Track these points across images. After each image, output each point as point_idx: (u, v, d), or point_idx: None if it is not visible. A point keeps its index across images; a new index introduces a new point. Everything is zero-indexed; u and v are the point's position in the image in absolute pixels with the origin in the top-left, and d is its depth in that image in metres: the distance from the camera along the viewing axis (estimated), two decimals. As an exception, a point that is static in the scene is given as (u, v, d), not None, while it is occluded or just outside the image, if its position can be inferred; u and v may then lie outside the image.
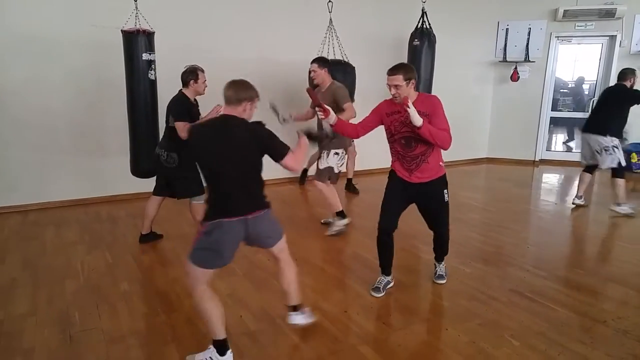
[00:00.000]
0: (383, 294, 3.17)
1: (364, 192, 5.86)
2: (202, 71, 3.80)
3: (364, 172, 6.79)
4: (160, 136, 4.10)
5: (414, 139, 2.90)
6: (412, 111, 2.70)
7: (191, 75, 3.75)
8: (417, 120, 2.72)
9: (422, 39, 6.23)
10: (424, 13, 6.24)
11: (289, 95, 5.53)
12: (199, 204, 3.94)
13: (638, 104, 4.79)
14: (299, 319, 2.66)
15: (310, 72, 4.26)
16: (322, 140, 2.55)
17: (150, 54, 4.27)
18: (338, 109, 3.85)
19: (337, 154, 4.23)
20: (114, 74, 4.71)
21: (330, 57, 5.23)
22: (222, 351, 2.30)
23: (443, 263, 3.44)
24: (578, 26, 7.61)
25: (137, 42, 4.19)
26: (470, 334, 2.71)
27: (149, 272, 3.56)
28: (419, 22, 6.30)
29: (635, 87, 4.92)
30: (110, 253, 3.87)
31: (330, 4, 5.06)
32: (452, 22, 7.21)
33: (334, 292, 3.08)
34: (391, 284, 3.27)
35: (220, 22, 5.68)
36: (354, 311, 2.93)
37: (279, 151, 2.29)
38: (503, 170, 6.60)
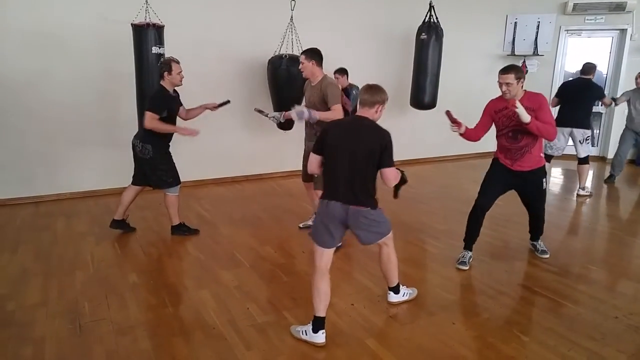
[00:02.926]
0: (468, 267, 3.45)
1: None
2: (177, 62, 3.77)
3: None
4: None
5: (519, 131, 3.22)
6: (521, 110, 3.04)
7: (165, 67, 3.73)
8: (526, 117, 3.06)
9: (430, 33, 6.20)
10: (431, 7, 6.21)
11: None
12: (174, 195, 3.99)
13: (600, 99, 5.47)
14: (393, 297, 2.95)
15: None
16: (403, 184, 2.71)
17: (160, 47, 4.28)
18: (325, 108, 3.61)
19: None
20: (125, 67, 4.72)
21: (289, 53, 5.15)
22: (315, 328, 2.51)
23: (540, 240, 3.76)
24: (588, 20, 7.53)
25: (147, 36, 4.20)
26: (478, 328, 2.70)
27: (157, 263, 3.58)
28: (426, 15, 6.26)
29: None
30: (119, 244, 3.90)
31: (293, 2, 5.07)
32: (460, 15, 7.14)
33: (341, 285, 3.07)
34: (472, 258, 3.56)
35: (230, 16, 5.66)
36: (361, 304, 2.93)
37: (387, 161, 2.47)
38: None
